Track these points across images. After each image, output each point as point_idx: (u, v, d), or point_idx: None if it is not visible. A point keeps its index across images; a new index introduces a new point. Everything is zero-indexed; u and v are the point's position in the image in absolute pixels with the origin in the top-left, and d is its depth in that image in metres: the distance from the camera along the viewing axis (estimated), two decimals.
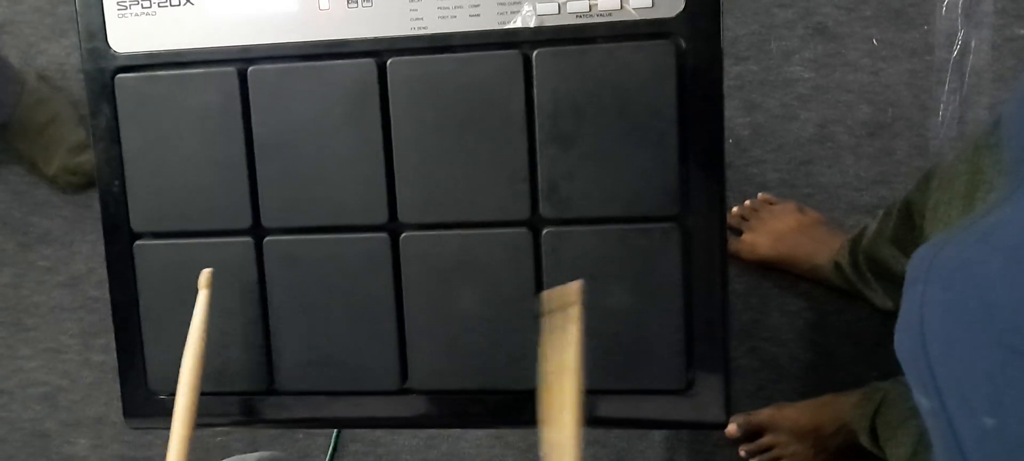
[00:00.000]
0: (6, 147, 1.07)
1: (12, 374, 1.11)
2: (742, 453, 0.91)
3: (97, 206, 0.56)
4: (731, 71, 0.96)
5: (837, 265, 0.88)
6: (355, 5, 0.52)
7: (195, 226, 0.55)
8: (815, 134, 0.95)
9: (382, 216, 0.53)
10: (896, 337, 0.38)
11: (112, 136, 0.55)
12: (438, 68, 0.51)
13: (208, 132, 0.54)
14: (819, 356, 0.96)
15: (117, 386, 0.58)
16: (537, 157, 0.51)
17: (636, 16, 0.49)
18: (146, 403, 0.58)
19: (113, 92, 0.55)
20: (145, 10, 0.54)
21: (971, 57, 0.92)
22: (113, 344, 0.58)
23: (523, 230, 0.52)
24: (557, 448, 0.42)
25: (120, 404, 0.59)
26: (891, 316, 0.49)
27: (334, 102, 0.52)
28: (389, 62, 0.52)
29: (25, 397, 1.11)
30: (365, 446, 1.04)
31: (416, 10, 0.51)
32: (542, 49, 0.50)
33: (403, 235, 0.53)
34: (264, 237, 0.55)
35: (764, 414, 0.90)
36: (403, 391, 0.55)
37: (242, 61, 0.53)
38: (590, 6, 0.50)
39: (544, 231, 0.52)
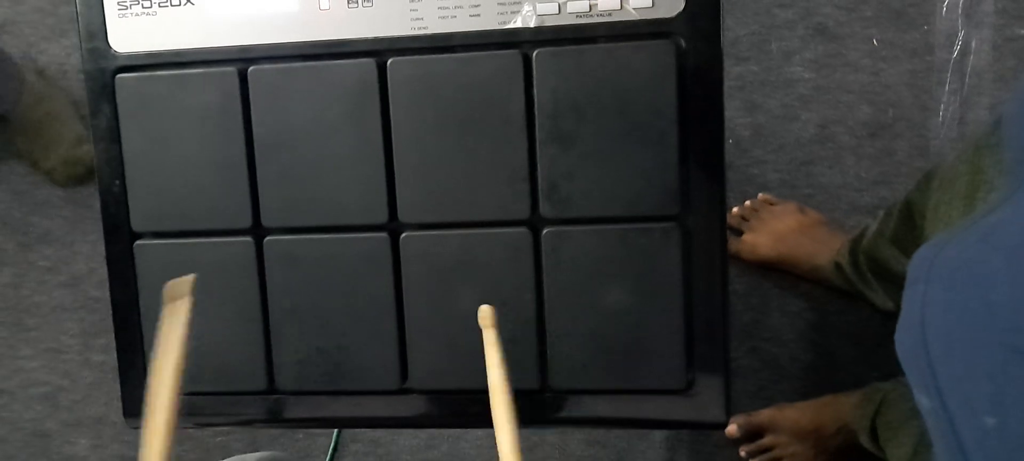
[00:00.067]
0: (5, 143, 1.07)
1: (13, 374, 1.11)
2: (742, 453, 0.91)
3: (97, 206, 0.56)
4: (732, 71, 0.96)
5: (838, 265, 0.88)
6: (355, 5, 0.52)
7: (195, 226, 0.55)
8: (816, 134, 0.95)
9: (382, 216, 0.53)
10: (897, 337, 0.38)
11: (112, 136, 0.55)
12: (438, 68, 0.51)
13: (208, 132, 0.54)
14: (820, 356, 0.96)
15: (117, 386, 0.58)
16: (537, 157, 0.51)
17: (636, 16, 0.49)
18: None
19: (113, 92, 0.55)
20: (145, 10, 0.54)
21: (972, 57, 0.92)
22: (113, 344, 0.58)
23: (523, 230, 0.52)
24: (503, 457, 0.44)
25: (120, 404, 0.59)
26: (892, 316, 0.49)
27: (334, 102, 0.52)
28: (389, 62, 0.52)
29: (26, 397, 1.11)
30: (365, 446, 1.04)
31: (416, 10, 0.51)
32: (542, 49, 0.50)
33: (403, 235, 0.53)
34: (264, 237, 0.55)
35: (764, 414, 0.90)
36: (403, 391, 0.55)
37: (242, 61, 0.53)
38: (590, 6, 0.50)
39: (544, 231, 0.52)
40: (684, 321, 0.51)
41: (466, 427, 0.99)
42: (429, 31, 0.51)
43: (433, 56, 0.51)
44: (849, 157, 0.94)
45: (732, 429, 0.90)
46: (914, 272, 0.38)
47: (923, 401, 0.36)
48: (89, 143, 1.01)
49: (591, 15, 0.50)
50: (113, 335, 0.58)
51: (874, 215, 0.83)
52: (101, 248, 0.57)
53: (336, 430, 1.03)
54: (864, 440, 0.79)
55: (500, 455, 0.44)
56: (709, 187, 0.51)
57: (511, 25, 0.51)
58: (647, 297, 0.51)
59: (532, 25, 0.50)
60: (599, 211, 0.51)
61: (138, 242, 0.56)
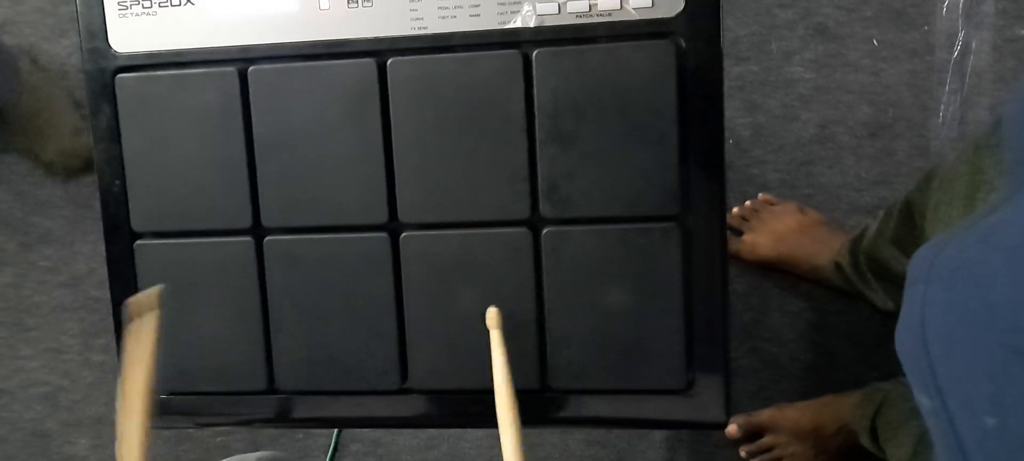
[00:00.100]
0: (4, 137, 1.07)
1: (13, 374, 1.11)
2: (742, 454, 0.91)
3: (98, 206, 0.56)
4: (732, 72, 0.96)
5: (838, 265, 0.88)
6: (355, 5, 0.52)
7: (195, 226, 0.55)
8: (816, 135, 0.95)
9: (382, 216, 0.53)
10: (897, 337, 0.38)
11: (112, 136, 0.55)
12: (438, 68, 0.51)
13: (208, 132, 0.54)
14: (820, 357, 0.96)
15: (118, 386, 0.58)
16: (537, 157, 0.51)
17: (636, 16, 0.49)
18: None
19: (114, 92, 0.55)
20: (145, 10, 0.54)
21: (972, 58, 0.92)
22: (114, 344, 0.58)
23: (523, 230, 0.52)
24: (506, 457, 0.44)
25: None
26: (892, 317, 0.49)
27: (334, 102, 0.52)
28: (389, 62, 0.52)
29: (26, 397, 1.11)
30: (365, 446, 1.04)
31: (416, 10, 0.51)
32: (542, 49, 0.50)
33: (403, 235, 0.53)
34: (264, 237, 0.55)
35: (765, 414, 0.90)
36: (403, 391, 0.55)
37: (242, 61, 0.53)
38: (590, 6, 0.50)
39: (544, 231, 0.52)
40: (684, 321, 0.51)
41: (466, 427, 0.99)
42: (429, 31, 0.51)
43: (433, 56, 0.51)
44: (849, 157, 0.94)
45: (732, 429, 0.90)
46: (914, 272, 0.38)
47: (923, 401, 0.36)
48: (86, 135, 1.02)
49: (591, 15, 0.50)
50: (113, 335, 0.58)
51: (874, 215, 0.83)
52: (101, 248, 0.57)
53: (336, 430, 1.03)
54: (864, 440, 0.79)
55: (504, 456, 0.44)
56: (709, 187, 0.51)
57: (511, 25, 0.51)
58: (647, 297, 0.51)
59: (532, 25, 0.50)
60: (599, 211, 0.51)
61: (138, 242, 0.56)
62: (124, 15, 0.54)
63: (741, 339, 0.96)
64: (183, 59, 0.54)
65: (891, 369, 0.70)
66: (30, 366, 1.11)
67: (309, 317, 0.55)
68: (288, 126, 0.53)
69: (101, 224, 0.57)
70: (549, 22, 0.50)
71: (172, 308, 0.56)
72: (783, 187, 0.96)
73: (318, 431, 1.04)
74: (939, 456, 0.36)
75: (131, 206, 0.56)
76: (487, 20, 0.51)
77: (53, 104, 1.04)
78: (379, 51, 0.52)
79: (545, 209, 0.52)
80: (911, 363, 0.37)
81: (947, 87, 0.93)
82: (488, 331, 0.51)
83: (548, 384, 0.53)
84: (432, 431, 1.02)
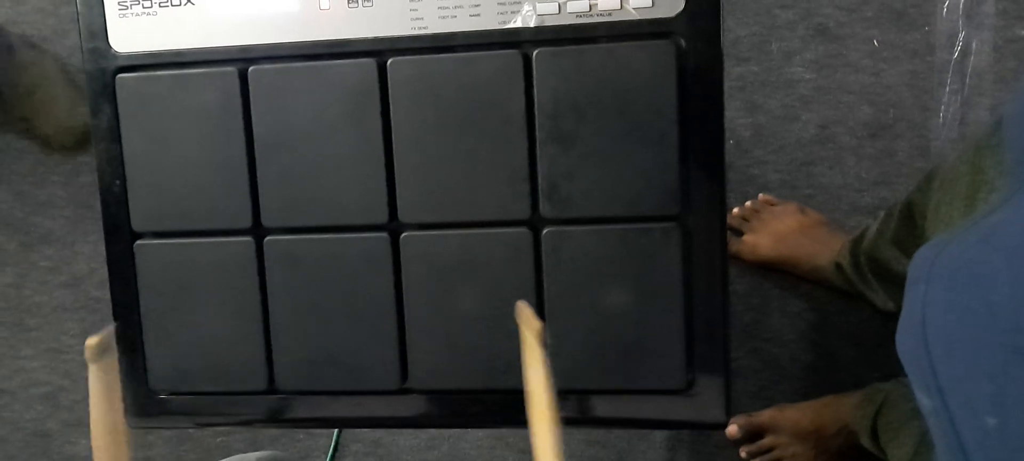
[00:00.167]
0: (2, 114, 1.08)
1: (14, 374, 1.12)
2: (743, 454, 0.91)
3: (98, 206, 0.56)
4: (732, 72, 0.96)
5: (838, 266, 0.88)
6: (355, 5, 0.52)
7: (195, 226, 0.55)
8: (816, 135, 0.95)
9: (382, 216, 0.53)
10: (898, 337, 0.38)
11: (113, 136, 0.56)
12: (438, 68, 0.51)
13: (208, 132, 0.54)
14: (820, 357, 0.96)
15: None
16: (537, 157, 0.51)
17: (636, 16, 0.49)
18: (147, 402, 0.58)
19: (114, 92, 0.55)
20: (146, 10, 0.54)
21: (972, 58, 0.92)
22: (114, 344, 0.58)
23: (523, 230, 0.52)
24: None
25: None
26: (892, 317, 0.49)
27: (334, 102, 0.52)
28: (389, 62, 0.52)
29: (27, 397, 1.11)
30: (366, 446, 1.04)
31: (416, 10, 0.51)
32: (542, 49, 0.50)
33: (403, 235, 0.53)
34: (264, 237, 0.55)
35: (765, 415, 0.90)
36: (403, 391, 0.55)
37: (242, 61, 0.53)
38: (590, 6, 0.50)
39: (544, 231, 0.52)
40: (684, 321, 0.51)
41: (466, 427, 0.99)
42: (429, 31, 0.51)
43: (433, 56, 0.51)
44: (850, 158, 0.94)
45: (732, 429, 0.90)
46: (915, 272, 0.38)
47: (924, 401, 0.36)
48: (83, 106, 1.02)
49: (591, 15, 0.50)
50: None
51: (875, 216, 0.83)
52: (102, 248, 0.57)
53: (336, 430, 1.03)
54: (865, 441, 0.79)
55: (536, 458, 0.43)
56: (709, 187, 0.51)
57: (511, 25, 0.51)
58: (647, 297, 0.51)
59: (532, 25, 0.50)
60: (599, 211, 0.51)
61: (138, 242, 0.56)
62: (124, 15, 0.54)
63: (742, 339, 0.96)
64: (183, 59, 0.54)
65: (892, 370, 0.70)
66: (31, 366, 1.11)
67: (309, 317, 0.55)
68: (288, 126, 0.53)
69: (101, 224, 0.57)
70: (549, 22, 0.50)
71: (172, 308, 0.56)
72: (783, 187, 0.96)
73: (318, 431, 1.04)
74: (940, 456, 0.36)
75: (131, 206, 0.56)
76: (487, 20, 0.51)
77: (48, 81, 1.05)
78: (379, 51, 0.52)
79: (545, 209, 0.51)
80: (912, 363, 0.37)
81: (948, 87, 0.93)
82: (488, 331, 0.51)
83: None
84: (432, 431, 1.02)
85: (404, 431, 1.02)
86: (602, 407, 0.54)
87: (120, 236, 0.57)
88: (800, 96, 0.95)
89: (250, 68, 0.53)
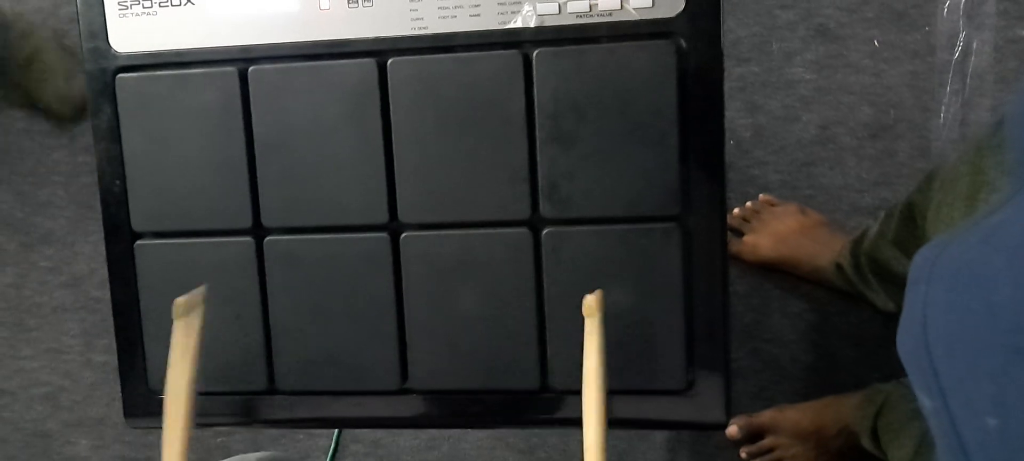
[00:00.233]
0: (2, 88, 1.09)
1: (14, 374, 1.12)
2: (743, 455, 0.91)
3: (98, 206, 0.56)
4: (733, 72, 0.96)
5: (839, 266, 0.88)
6: (356, 5, 0.52)
7: (196, 226, 0.55)
8: (817, 136, 0.95)
9: (382, 216, 0.53)
10: (899, 338, 0.38)
11: (113, 136, 0.55)
12: (438, 68, 0.51)
13: (208, 132, 0.54)
14: (821, 358, 0.95)
15: (118, 386, 0.58)
16: (537, 157, 0.51)
17: (636, 16, 0.49)
18: (147, 403, 0.58)
19: (114, 92, 0.55)
20: (146, 10, 0.54)
21: (973, 58, 0.92)
22: (114, 344, 0.58)
23: (523, 230, 0.52)
24: (586, 450, 0.44)
25: (121, 404, 0.59)
26: (893, 318, 0.49)
27: (334, 102, 0.52)
28: (390, 62, 0.52)
29: (27, 397, 1.11)
30: (366, 447, 1.03)
31: (416, 10, 0.51)
32: (542, 49, 0.50)
33: (403, 235, 0.53)
34: (264, 237, 0.55)
35: (765, 415, 0.89)
36: (403, 391, 0.55)
37: (243, 61, 0.53)
38: (590, 6, 0.50)
39: (544, 231, 0.52)
40: (684, 321, 0.51)
41: (466, 427, 0.99)
42: (429, 31, 0.51)
43: (433, 56, 0.51)
44: (850, 158, 0.94)
45: (733, 430, 0.90)
46: (916, 273, 0.38)
47: (925, 402, 0.36)
48: (80, 76, 1.03)
49: (591, 15, 0.50)
50: (114, 335, 0.58)
51: (875, 216, 0.83)
52: (102, 248, 0.57)
53: (336, 430, 1.03)
54: (865, 441, 0.79)
55: (586, 449, 0.44)
56: (710, 188, 0.51)
57: (511, 25, 0.51)
58: (647, 297, 0.51)
59: (532, 25, 0.50)
60: (599, 211, 0.51)
61: (139, 242, 0.56)
62: (124, 15, 0.54)
63: (742, 340, 0.96)
64: (183, 59, 0.54)
65: (892, 370, 0.70)
66: (31, 366, 1.11)
67: (309, 317, 0.55)
68: (288, 126, 0.53)
69: (102, 224, 0.57)
70: (549, 22, 0.50)
71: (171, 308, 0.56)
72: (784, 188, 0.96)
73: (318, 431, 1.03)
74: (941, 457, 0.36)
75: (131, 206, 0.56)
76: (487, 20, 0.51)
77: (44, 52, 1.05)
78: (379, 51, 0.52)
79: (545, 209, 0.51)
80: (913, 364, 0.36)
81: (948, 88, 0.93)
82: (488, 331, 0.51)
83: (548, 384, 0.53)
84: (432, 431, 1.02)
85: (404, 431, 1.02)
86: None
87: (120, 236, 0.57)
88: (800, 97, 0.95)
89: (250, 68, 0.53)
